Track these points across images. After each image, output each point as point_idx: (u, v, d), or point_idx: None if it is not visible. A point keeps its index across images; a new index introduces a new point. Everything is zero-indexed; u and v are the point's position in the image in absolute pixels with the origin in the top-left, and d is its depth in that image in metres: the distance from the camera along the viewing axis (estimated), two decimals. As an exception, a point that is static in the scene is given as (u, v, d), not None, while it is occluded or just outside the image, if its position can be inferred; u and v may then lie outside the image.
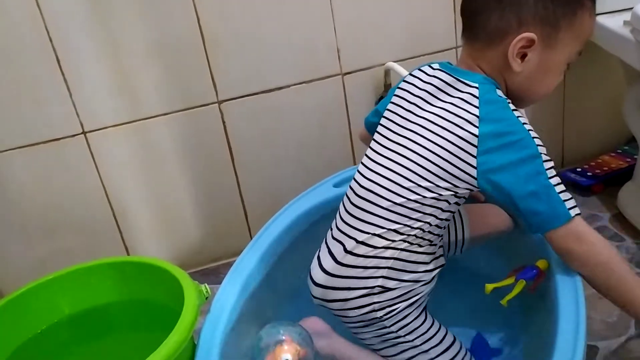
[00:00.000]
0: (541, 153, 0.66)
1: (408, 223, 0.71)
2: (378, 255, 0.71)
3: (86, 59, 1.00)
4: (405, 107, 0.75)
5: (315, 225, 0.89)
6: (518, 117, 0.68)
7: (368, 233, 0.72)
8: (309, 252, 0.80)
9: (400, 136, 0.73)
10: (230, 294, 0.76)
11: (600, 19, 1.02)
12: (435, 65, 0.75)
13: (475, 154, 0.67)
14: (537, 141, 0.67)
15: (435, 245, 0.75)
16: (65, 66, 1.00)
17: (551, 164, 0.67)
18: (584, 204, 1.21)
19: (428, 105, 0.72)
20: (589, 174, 1.26)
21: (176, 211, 1.17)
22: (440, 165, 0.69)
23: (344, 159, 1.21)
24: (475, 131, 0.67)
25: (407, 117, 0.74)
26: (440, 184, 0.69)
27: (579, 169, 1.29)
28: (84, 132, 1.05)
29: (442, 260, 0.77)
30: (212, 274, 1.21)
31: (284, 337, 0.72)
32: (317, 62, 1.12)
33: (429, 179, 0.69)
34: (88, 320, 0.78)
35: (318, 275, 0.75)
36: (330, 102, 1.16)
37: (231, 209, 1.20)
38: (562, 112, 1.30)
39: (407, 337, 0.74)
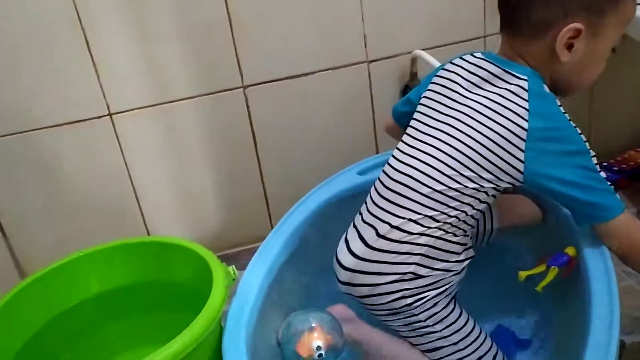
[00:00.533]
0: (589, 149, 0.67)
1: (445, 211, 0.70)
2: (412, 241, 0.71)
3: (115, 40, 1.00)
4: (447, 94, 0.74)
5: (340, 212, 0.88)
6: (564, 112, 0.68)
7: (404, 218, 0.71)
8: (334, 238, 0.79)
9: (442, 123, 0.72)
10: (256, 277, 0.76)
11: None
12: (479, 55, 0.75)
13: (523, 148, 0.67)
14: (583, 137, 0.68)
15: (467, 235, 0.74)
16: (94, 48, 1.00)
17: (595, 159, 0.68)
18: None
19: (473, 94, 0.71)
20: (615, 168, 1.25)
21: (198, 195, 1.18)
22: (486, 156, 0.68)
23: (367, 147, 1.20)
24: (525, 125, 0.67)
25: (450, 105, 0.73)
26: (483, 175, 0.69)
27: (605, 164, 1.27)
28: (110, 114, 1.05)
29: (472, 252, 0.76)
30: (232, 260, 1.20)
31: (314, 325, 0.72)
32: (343, 48, 1.11)
33: (473, 169, 0.69)
34: (115, 299, 0.78)
35: (346, 258, 0.75)
36: (355, 90, 1.15)
37: (252, 195, 1.20)
38: (589, 106, 1.28)
39: (435, 326, 0.73)
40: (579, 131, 0.68)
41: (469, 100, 0.71)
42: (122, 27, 1.00)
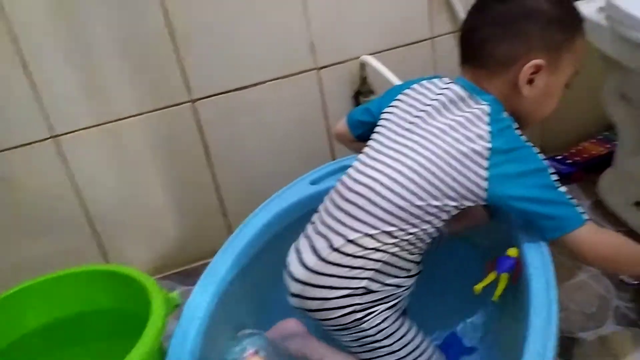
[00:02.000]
0: (547, 166, 0.71)
1: (404, 227, 0.71)
2: (367, 256, 0.70)
3: (53, 60, 0.98)
4: (414, 113, 0.75)
5: (291, 225, 0.88)
6: (520, 135, 0.72)
7: (360, 232, 0.71)
8: (285, 252, 0.78)
9: (410, 140, 0.73)
10: (202, 299, 0.75)
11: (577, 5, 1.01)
12: (447, 80, 0.77)
13: (487, 167, 0.69)
14: (542, 156, 0.71)
15: (422, 254, 0.75)
16: (32, 68, 0.97)
17: (555, 176, 0.71)
18: (564, 193, 1.21)
19: (439, 115, 0.74)
20: (569, 161, 1.26)
21: (154, 212, 1.16)
22: (452, 175, 0.70)
23: (322, 154, 1.20)
24: (488, 145, 0.69)
25: (419, 124, 0.74)
26: (449, 194, 0.70)
27: (559, 157, 1.28)
28: (54, 136, 1.03)
29: (422, 266, 0.76)
30: (193, 275, 1.19)
31: (249, 352, 0.71)
32: (292, 57, 1.10)
33: (439, 187, 0.70)
34: (59, 330, 0.77)
35: (298, 270, 0.74)
36: (307, 97, 1.15)
37: (210, 208, 1.19)
38: (541, 100, 1.29)
39: (384, 341, 0.73)
40: (537, 150, 0.71)
41: (437, 122, 0.73)
42: (60, 46, 0.97)
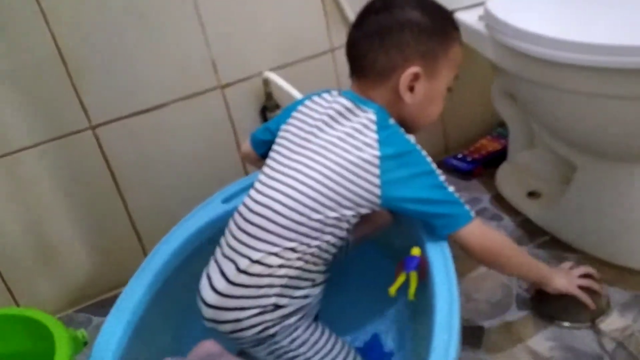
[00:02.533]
0: (435, 168, 0.75)
1: (306, 241, 0.73)
2: (273, 273, 0.72)
3: None
4: (306, 129, 0.78)
5: (204, 245, 0.88)
6: (408, 139, 0.76)
7: (263, 251, 0.72)
8: (200, 272, 0.78)
9: (302, 156, 0.76)
10: (115, 329, 0.74)
11: (458, 15, 1.08)
12: (335, 93, 0.81)
13: (378, 174, 0.73)
14: (429, 159, 0.76)
15: (328, 264, 0.77)
16: None
17: (443, 176, 0.76)
18: (466, 188, 1.28)
19: (329, 128, 0.77)
20: (468, 159, 1.34)
21: (62, 245, 1.12)
22: (344, 185, 0.73)
23: (234, 171, 1.20)
24: (377, 153, 0.73)
25: (310, 140, 0.77)
26: (343, 203, 0.73)
27: (459, 156, 1.36)
28: (-57, 175, 0.97)
29: (329, 273, 0.79)
30: (109, 305, 1.16)
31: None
32: (194, 76, 1.10)
33: (333, 199, 0.73)
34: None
35: (209, 296, 0.75)
36: (213, 116, 1.15)
37: (123, 235, 1.16)
38: (439, 103, 1.36)
39: (299, 349, 0.75)
40: (425, 153, 0.76)
41: (327, 135, 0.76)
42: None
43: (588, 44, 0.77)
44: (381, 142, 0.73)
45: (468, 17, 1.06)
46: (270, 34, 1.13)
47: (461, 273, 1.01)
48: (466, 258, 0.97)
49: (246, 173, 1.22)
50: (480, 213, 1.19)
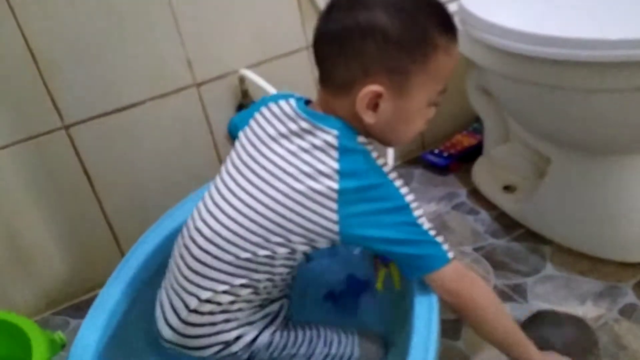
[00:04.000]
0: (408, 203, 0.64)
1: (256, 277, 0.66)
2: (227, 310, 0.68)
3: None
4: (255, 143, 0.68)
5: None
6: (381, 166, 0.64)
7: (211, 290, 0.67)
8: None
9: (247, 181, 0.66)
10: (91, 334, 0.72)
11: (433, 11, 1.08)
12: (293, 103, 0.67)
13: (336, 209, 0.63)
14: (403, 190, 0.64)
15: (288, 287, 0.74)
16: None
17: (421, 211, 0.65)
18: (443, 184, 1.30)
19: (282, 149, 0.65)
20: (445, 154, 1.35)
21: (37, 247, 1.10)
22: (293, 220, 0.64)
23: (211, 169, 1.18)
24: (335, 186, 0.62)
25: (257, 159, 0.67)
26: (292, 239, 0.65)
27: (436, 151, 1.37)
28: None
29: (289, 288, 0.75)
30: (86, 307, 1.14)
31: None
32: (169, 75, 1.09)
33: (281, 234, 0.64)
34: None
35: (165, 331, 0.71)
36: (189, 114, 1.14)
37: (99, 236, 1.15)
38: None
39: (278, 354, 0.73)
40: (398, 184, 0.64)
41: (276, 156, 0.65)
42: None
43: (557, 38, 0.78)
44: (342, 174, 0.62)
45: (442, 13, 1.07)
46: (246, 32, 1.13)
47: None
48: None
49: (223, 171, 1.21)
50: (458, 207, 1.21)
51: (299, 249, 0.66)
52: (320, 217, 0.63)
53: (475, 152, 1.32)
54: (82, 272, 1.15)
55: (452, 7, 1.05)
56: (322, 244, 0.66)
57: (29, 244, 1.09)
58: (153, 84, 1.08)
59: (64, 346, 0.67)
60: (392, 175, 0.65)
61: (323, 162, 0.63)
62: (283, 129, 0.66)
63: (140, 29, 1.03)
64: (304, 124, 0.65)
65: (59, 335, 0.66)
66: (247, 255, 0.65)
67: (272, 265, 0.66)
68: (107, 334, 0.74)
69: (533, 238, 1.08)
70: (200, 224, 0.68)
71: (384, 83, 0.62)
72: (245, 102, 1.16)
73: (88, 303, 1.13)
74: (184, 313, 0.68)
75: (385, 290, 0.82)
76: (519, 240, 1.08)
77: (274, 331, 0.72)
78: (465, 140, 1.38)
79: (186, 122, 1.14)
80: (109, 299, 0.79)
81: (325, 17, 0.64)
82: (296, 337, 0.74)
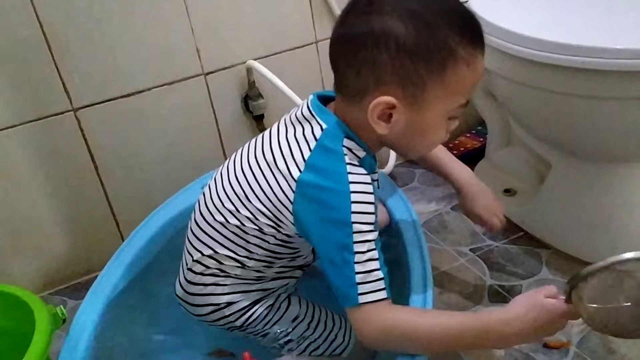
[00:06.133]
0: (353, 222, 0.60)
1: (232, 248, 0.69)
2: (213, 274, 0.72)
3: None
4: (271, 130, 0.70)
5: (183, 230, 0.88)
6: (349, 172, 0.61)
7: (199, 252, 0.72)
8: (178, 258, 0.79)
9: (248, 160, 0.69)
10: (91, 312, 0.74)
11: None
12: (311, 96, 0.68)
13: (292, 200, 0.63)
14: (357, 207, 0.60)
15: (286, 272, 0.75)
16: None
17: (365, 236, 0.60)
18: (444, 184, 1.29)
19: (281, 131, 0.68)
20: (448, 155, 1.35)
21: (39, 227, 1.11)
22: (262, 200, 0.66)
23: (214, 158, 1.20)
24: (297, 175, 0.62)
25: (263, 139, 0.69)
26: (261, 210, 0.66)
27: (439, 151, 1.37)
28: None
29: (297, 272, 0.76)
30: (85, 288, 1.15)
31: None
32: (177, 63, 1.10)
33: (249, 208, 0.67)
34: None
35: (177, 286, 0.77)
36: (195, 103, 1.15)
37: (101, 219, 1.16)
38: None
39: (275, 328, 0.75)
40: (359, 199, 0.61)
41: (277, 141, 0.67)
42: None
43: (563, 44, 0.79)
44: (308, 165, 0.62)
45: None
46: (256, 24, 1.14)
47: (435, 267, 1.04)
48: (445, 251, 0.98)
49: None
50: (456, 208, 1.21)
51: (264, 227, 0.67)
52: (280, 204, 0.64)
53: (478, 154, 1.33)
54: (82, 254, 1.17)
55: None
56: (284, 229, 0.67)
57: (32, 222, 1.10)
58: (161, 72, 1.09)
59: (64, 321, 0.68)
60: (358, 188, 0.61)
61: (300, 151, 0.63)
62: (293, 116, 0.68)
63: (151, 16, 1.04)
64: (307, 113, 0.66)
65: (61, 309, 0.67)
66: (235, 222, 0.68)
67: (246, 241, 0.68)
68: (106, 314, 0.75)
69: (531, 242, 1.08)
70: (205, 190, 0.75)
71: (397, 94, 0.59)
72: (251, 93, 1.17)
73: (86, 285, 1.15)
74: (185, 270, 0.74)
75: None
76: (517, 243, 1.09)
77: (271, 304, 0.74)
78: (468, 142, 1.39)
79: (192, 111, 1.15)
80: (110, 278, 0.80)
81: (341, 21, 0.62)
82: (295, 316, 0.75)
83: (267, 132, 0.71)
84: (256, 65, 1.11)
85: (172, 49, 1.08)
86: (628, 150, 0.88)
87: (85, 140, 1.08)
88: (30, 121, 1.02)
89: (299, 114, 0.67)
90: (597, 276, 0.56)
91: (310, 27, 1.19)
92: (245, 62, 1.14)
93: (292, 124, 0.67)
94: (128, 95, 1.08)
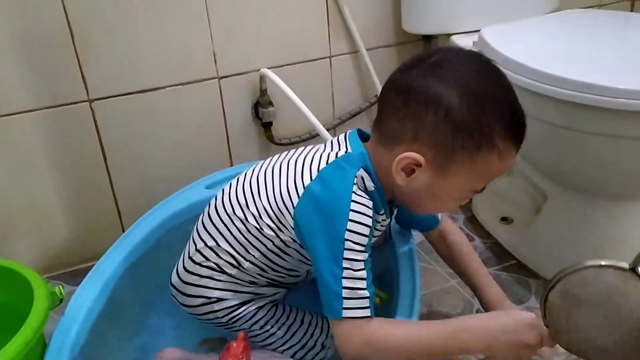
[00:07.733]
0: (346, 239, 0.62)
1: (240, 251, 0.72)
2: (210, 267, 0.74)
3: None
4: (309, 146, 0.74)
5: (183, 225, 0.90)
6: (353, 192, 0.63)
7: (203, 241, 0.74)
8: (177, 253, 0.81)
9: (279, 164, 0.72)
10: (88, 295, 0.76)
11: (454, 38, 1.13)
12: (353, 129, 0.72)
13: (295, 204, 0.66)
14: (353, 226, 0.62)
15: (280, 281, 0.76)
16: None
17: (356, 255, 0.62)
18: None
19: (314, 150, 0.71)
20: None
21: (44, 211, 1.13)
22: (269, 199, 0.69)
23: (220, 162, 1.23)
24: (307, 182, 0.66)
25: (298, 152, 0.72)
26: (267, 210, 0.69)
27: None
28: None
29: (291, 281, 0.78)
30: (82, 275, 1.17)
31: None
32: (193, 64, 1.13)
33: (259, 208, 0.69)
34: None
35: (173, 274, 0.78)
36: (207, 105, 1.18)
37: (104, 209, 1.18)
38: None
39: (259, 331, 0.76)
40: (358, 220, 0.62)
41: (305, 154, 0.71)
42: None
43: (564, 78, 0.81)
44: (319, 176, 0.65)
45: (464, 42, 1.11)
46: (273, 33, 1.17)
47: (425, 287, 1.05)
48: (436, 272, 1.00)
49: (232, 164, 1.25)
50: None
51: (265, 229, 0.69)
52: (285, 208, 0.67)
53: (478, 180, 1.34)
54: (83, 241, 1.19)
55: (472, 38, 1.09)
56: (285, 234, 0.69)
57: (37, 206, 1.12)
58: (177, 71, 1.12)
59: (62, 300, 0.70)
60: (360, 208, 0.63)
61: (319, 163, 0.67)
62: (332, 139, 0.72)
63: (174, 17, 1.08)
64: (341, 139, 0.70)
65: (60, 289, 0.69)
66: (240, 215, 0.70)
67: (249, 242, 0.70)
68: (102, 298, 0.78)
69: (522, 270, 1.10)
70: (226, 185, 0.77)
71: (427, 155, 0.62)
72: (262, 101, 1.20)
73: (83, 272, 1.16)
74: (186, 259, 0.76)
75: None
76: (508, 271, 1.11)
77: (259, 307, 0.76)
78: (470, 168, 1.41)
79: (203, 112, 1.18)
80: (108, 266, 0.83)
81: (404, 68, 0.64)
82: (281, 321, 0.77)
83: (306, 147, 0.74)
84: (269, 73, 1.14)
85: (190, 50, 1.12)
86: (624, 187, 0.90)
87: (98, 131, 1.11)
88: (48, 107, 1.05)
89: (335, 139, 0.71)
90: (557, 292, 0.59)
91: (326, 42, 1.22)
92: (259, 70, 1.18)
93: (326, 145, 0.71)
94: (143, 91, 1.11)
